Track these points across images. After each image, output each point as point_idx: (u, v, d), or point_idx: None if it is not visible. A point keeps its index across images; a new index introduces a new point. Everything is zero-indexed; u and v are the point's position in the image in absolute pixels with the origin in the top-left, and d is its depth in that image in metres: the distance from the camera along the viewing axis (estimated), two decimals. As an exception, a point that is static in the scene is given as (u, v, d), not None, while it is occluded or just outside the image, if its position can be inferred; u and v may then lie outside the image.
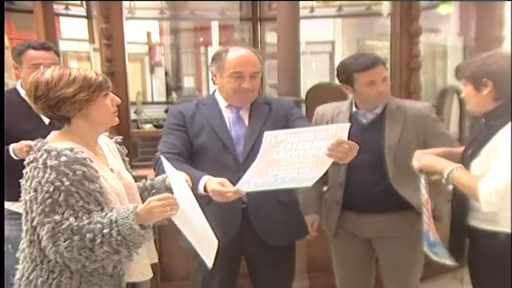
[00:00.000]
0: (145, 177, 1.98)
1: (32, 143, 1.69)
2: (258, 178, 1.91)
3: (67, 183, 1.52)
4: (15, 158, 2.38)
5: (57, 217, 1.52)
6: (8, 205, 2.63)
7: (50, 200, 1.52)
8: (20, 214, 2.54)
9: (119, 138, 1.91)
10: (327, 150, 1.88)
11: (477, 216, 1.96)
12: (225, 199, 1.94)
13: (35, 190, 1.54)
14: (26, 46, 2.59)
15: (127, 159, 1.90)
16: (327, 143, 1.88)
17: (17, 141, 2.50)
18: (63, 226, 1.51)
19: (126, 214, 1.54)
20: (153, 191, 1.88)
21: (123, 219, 1.53)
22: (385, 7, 4.33)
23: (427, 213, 2.06)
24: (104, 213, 1.56)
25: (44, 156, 1.55)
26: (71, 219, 1.52)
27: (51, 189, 1.52)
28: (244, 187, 1.93)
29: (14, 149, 2.40)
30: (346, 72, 2.31)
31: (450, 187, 1.98)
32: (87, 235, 1.51)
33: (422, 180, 2.05)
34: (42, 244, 1.56)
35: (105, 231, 1.52)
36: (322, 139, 1.88)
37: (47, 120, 2.51)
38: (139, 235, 1.56)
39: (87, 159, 1.59)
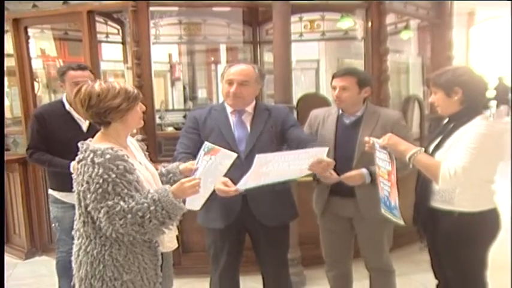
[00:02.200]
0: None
1: None
2: (252, 182, 1.90)
3: (113, 175, 1.52)
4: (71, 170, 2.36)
5: (110, 202, 1.52)
6: (55, 193, 2.61)
7: (100, 190, 1.52)
8: (64, 202, 2.53)
9: (139, 136, 1.89)
10: (308, 167, 1.91)
11: (437, 199, 1.95)
12: (227, 195, 1.93)
13: (87, 182, 1.54)
14: (67, 68, 2.58)
15: (147, 153, 1.88)
16: (308, 161, 1.91)
17: (60, 146, 2.47)
18: (116, 209, 1.52)
19: (165, 193, 1.57)
20: (170, 175, 1.88)
21: (164, 197, 1.56)
22: (359, 33, 4.32)
23: (387, 183, 1.96)
24: (144, 194, 1.57)
25: (91, 155, 1.55)
26: (122, 203, 1.52)
27: (101, 181, 1.52)
28: (242, 187, 1.91)
29: (74, 166, 2.37)
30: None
31: (410, 166, 1.91)
32: (138, 213, 1.52)
33: (386, 156, 1.93)
34: (101, 224, 1.56)
35: (151, 208, 1.53)
36: (304, 159, 1.91)
37: (85, 129, 2.50)
38: (179, 208, 1.59)
39: (125, 156, 1.58)
